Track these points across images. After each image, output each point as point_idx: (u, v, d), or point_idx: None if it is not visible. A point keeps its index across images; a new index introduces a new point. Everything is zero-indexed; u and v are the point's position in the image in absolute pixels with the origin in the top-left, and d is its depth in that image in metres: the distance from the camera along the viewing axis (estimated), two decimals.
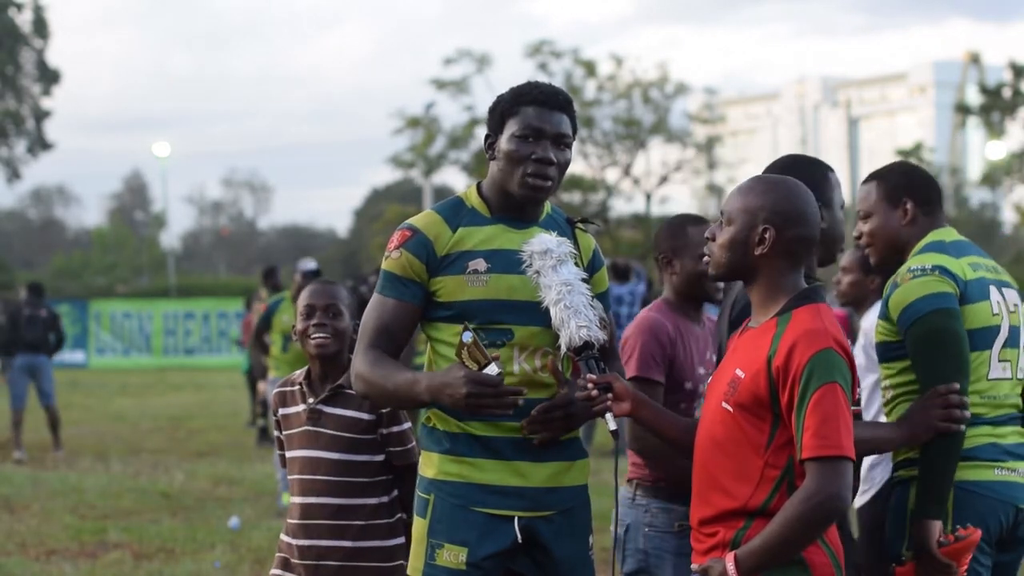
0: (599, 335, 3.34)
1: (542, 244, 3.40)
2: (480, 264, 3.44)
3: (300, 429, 4.07)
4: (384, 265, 3.50)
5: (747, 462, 3.03)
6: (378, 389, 3.44)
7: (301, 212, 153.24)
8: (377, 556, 4.02)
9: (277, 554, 4.16)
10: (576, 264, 3.44)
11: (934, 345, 3.62)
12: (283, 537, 4.13)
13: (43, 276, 47.08)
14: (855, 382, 3.05)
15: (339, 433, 4.02)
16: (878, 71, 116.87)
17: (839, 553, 3.05)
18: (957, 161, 61.55)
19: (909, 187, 3.91)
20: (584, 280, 3.41)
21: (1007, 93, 38.73)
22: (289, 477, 4.13)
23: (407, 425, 4.08)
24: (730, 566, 2.97)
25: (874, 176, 3.99)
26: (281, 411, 4.15)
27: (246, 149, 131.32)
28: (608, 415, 3.27)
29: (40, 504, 10.36)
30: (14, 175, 49.13)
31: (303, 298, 4.15)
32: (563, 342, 3.34)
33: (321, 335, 4.06)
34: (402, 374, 3.40)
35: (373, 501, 4.03)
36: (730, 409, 3.05)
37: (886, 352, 3.76)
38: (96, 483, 11.45)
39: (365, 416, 4.02)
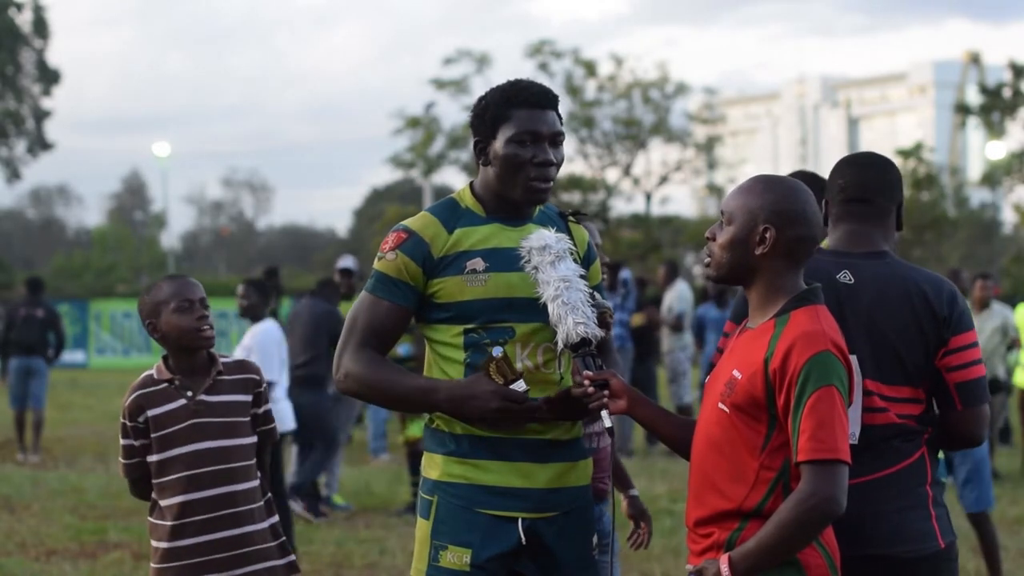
0: (596, 332, 3.34)
1: (540, 240, 3.40)
2: (478, 263, 3.43)
3: (186, 423, 4.03)
4: (377, 265, 3.48)
5: (743, 463, 3.02)
6: (381, 393, 3.47)
7: (301, 212, 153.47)
8: (267, 537, 4.10)
9: (165, 565, 4.01)
10: (575, 260, 3.45)
11: None
12: (174, 543, 4.00)
13: (43, 276, 47.02)
14: (852, 385, 3.05)
15: (225, 419, 4.06)
16: (878, 71, 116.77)
17: (835, 555, 3.04)
18: (957, 161, 61.57)
19: None
20: (582, 276, 3.41)
21: (1007, 93, 38.70)
22: (168, 478, 4.02)
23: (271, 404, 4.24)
24: (724, 568, 2.96)
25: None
26: (150, 412, 4.03)
27: (246, 149, 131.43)
28: (604, 412, 3.27)
29: (40, 504, 10.36)
30: (14, 175, 49.14)
31: (173, 295, 4.07)
32: (560, 338, 3.35)
33: (207, 327, 4.07)
34: (413, 380, 3.43)
35: (255, 483, 4.11)
36: (726, 410, 3.05)
37: None
38: (96, 483, 11.44)
39: (245, 398, 4.11)
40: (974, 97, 43.68)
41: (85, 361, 29.87)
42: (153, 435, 4.03)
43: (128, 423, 4.05)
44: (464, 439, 3.43)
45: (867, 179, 3.44)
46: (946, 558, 3.30)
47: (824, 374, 2.95)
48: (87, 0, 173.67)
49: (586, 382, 3.28)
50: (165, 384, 4.06)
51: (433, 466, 3.49)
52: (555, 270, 3.36)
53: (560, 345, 3.36)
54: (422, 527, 3.48)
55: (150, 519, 4.10)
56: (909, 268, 3.38)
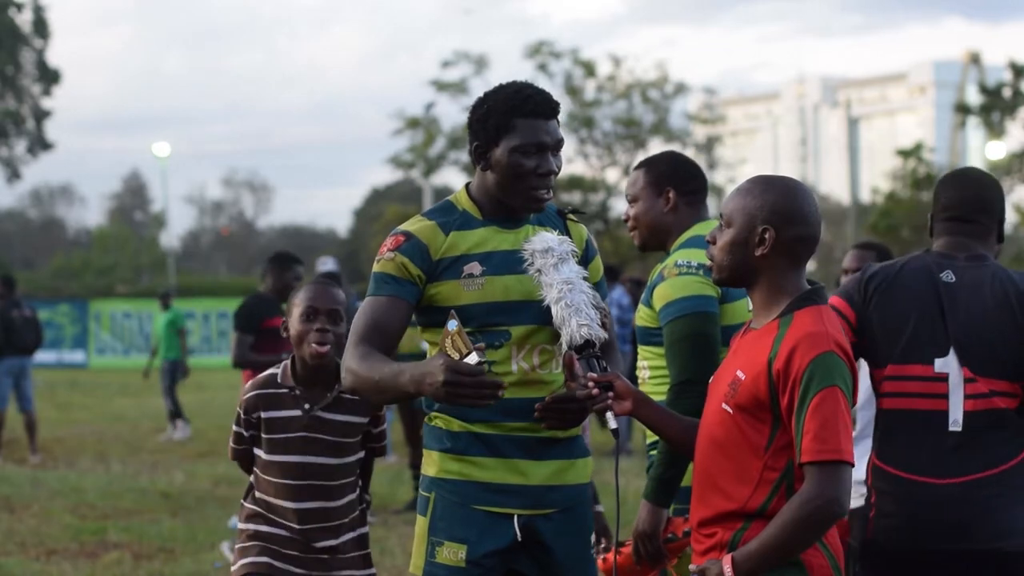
0: (600, 333, 3.34)
1: (543, 242, 3.40)
2: (475, 268, 3.44)
3: (296, 434, 4.02)
4: (376, 268, 3.47)
5: (746, 464, 3.02)
6: (366, 382, 3.36)
7: (301, 212, 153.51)
8: (352, 547, 4.12)
9: (252, 543, 4.09)
10: (577, 262, 3.44)
11: (688, 346, 3.73)
12: (265, 528, 4.08)
13: (43, 276, 47.10)
14: (856, 385, 3.05)
15: (337, 439, 4.05)
16: (878, 71, 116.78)
17: (838, 556, 3.04)
18: (957, 161, 61.44)
19: (673, 176, 4.01)
20: (585, 278, 3.41)
21: (1007, 93, 38.67)
22: (269, 478, 4.06)
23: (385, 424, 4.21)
24: (727, 568, 2.96)
25: (643, 163, 4.11)
26: (264, 413, 4.05)
27: (246, 149, 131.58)
28: (609, 414, 3.25)
29: (40, 504, 10.35)
30: (14, 175, 49.17)
31: (304, 299, 4.05)
32: (564, 340, 3.34)
33: (324, 342, 4.00)
34: (387, 365, 3.33)
35: (352, 497, 4.13)
36: (730, 411, 3.05)
37: (645, 336, 3.92)
38: (96, 483, 11.44)
39: (361, 420, 4.09)
40: (974, 97, 43.65)
41: (85, 361, 29.85)
42: (264, 435, 4.07)
43: (243, 415, 4.10)
44: (461, 436, 3.44)
45: (966, 199, 3.61)
46: None
47: (827, 375, 2.94)
48: (87, 0, 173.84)
49: (590, 384, 3.27)
50: (286, 390, 4.06)
51: (431, 463, 3.50)
52: (558, 272, 3.36)
53: (564, 347, 3.36)
54: (420, 524, 3.50)
55: (243, 502, 4.15)
56: (1007, 271, 3.54)
